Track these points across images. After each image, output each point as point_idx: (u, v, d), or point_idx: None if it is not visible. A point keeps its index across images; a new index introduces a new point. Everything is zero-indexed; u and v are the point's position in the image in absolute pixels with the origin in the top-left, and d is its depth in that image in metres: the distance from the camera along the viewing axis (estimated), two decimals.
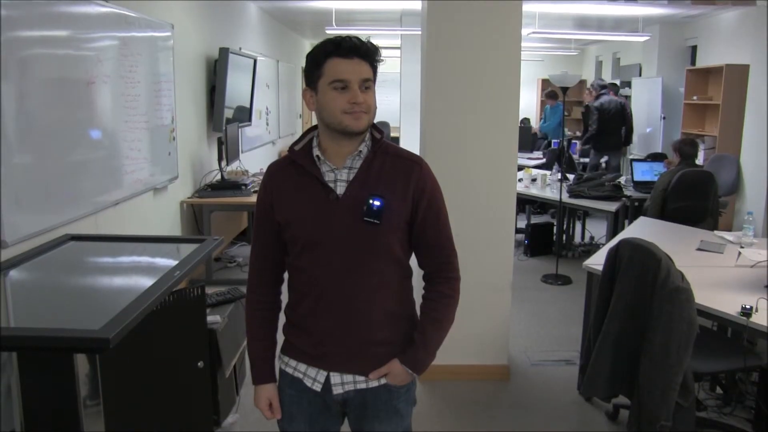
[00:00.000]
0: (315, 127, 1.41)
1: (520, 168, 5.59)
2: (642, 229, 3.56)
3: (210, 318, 2.48)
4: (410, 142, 6.96)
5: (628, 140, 6.69)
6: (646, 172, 5.14)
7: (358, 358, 1.38)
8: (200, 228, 4.61)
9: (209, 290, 2.72)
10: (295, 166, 1.37)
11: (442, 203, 1.42)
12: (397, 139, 8.01)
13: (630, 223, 3.93)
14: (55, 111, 2.61)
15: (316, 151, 1.36)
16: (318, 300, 1.36)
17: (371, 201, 1.30)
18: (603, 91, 6.60)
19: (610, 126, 6.43)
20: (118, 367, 1.93)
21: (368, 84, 1.30)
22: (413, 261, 1.48)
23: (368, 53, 1.29)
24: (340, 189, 1.34)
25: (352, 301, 1.35)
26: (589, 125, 6.52)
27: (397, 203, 1.34)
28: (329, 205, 1.33)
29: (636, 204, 4.74)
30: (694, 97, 6.89)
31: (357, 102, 1.27)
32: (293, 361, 1.44)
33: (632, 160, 5.40)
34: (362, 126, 1.31)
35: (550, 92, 8.00)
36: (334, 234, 1.33)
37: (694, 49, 7.59)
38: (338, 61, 1.27)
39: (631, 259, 2.19)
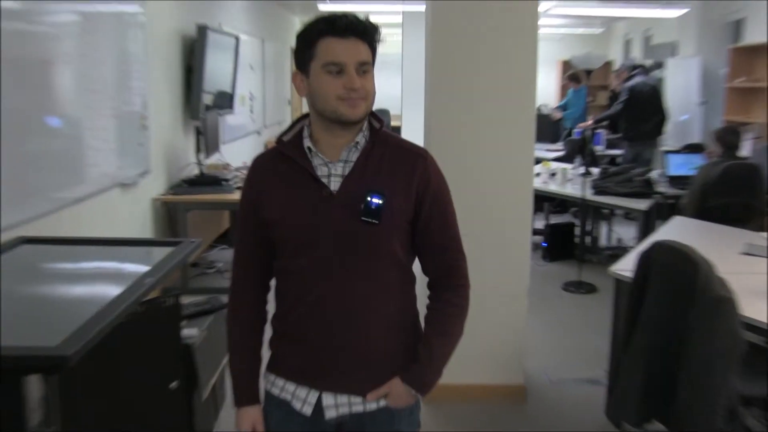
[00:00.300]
0: (306, 116, 1.43)
1: (538, 161, 5.58)
2: (677, 230, 3.58)
3: (186, 331, 2.48)
4: (413, 132, 6.80)
5: (660, 129, 6.61)
6: (681, 166, 5.14)
7: (354, 375, 1.40)
8: (175, 229, 4.61)
9: (185, 300, 2.69)
10: (284, 159, 1.39)
11: (449, 201, 1.44)
12: (398, 129, 8.04)
13: (663, 223, 3.90)
14: (6, 94, 2.58)
15: (307, 142, 1.38)
16: (309, 308, 1.38)
17: (369, 198, 1.32)
18: (635, 72, 6.49)
19: (644, 112, 6.28)
20: (79, 388, 1.91)
21: (366, 67, 1.31)
22: (417, 267, 1.48)
23: (366, 32, 1.30)
24: (335, 185, 1.36)
25: (348, 309, 1.37)
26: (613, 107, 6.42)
27: (399, 200, 1.36)
28: (322, 203, 1.35)
29: (670, 202, 4.76)
30: (739, 80, 6.81)
31: (353, 87, 1.29)
32: (280, 380, 1.46)
33: (666, 151, 5.40)
34: (359, 114, 1.32)
35: (573, 74, 7.98)
36: (328, 235, 1.35)
37: (739, 24, 7.48)
38: (332, 41, 1.29)
39: (665, 264, 2.18)
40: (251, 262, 1.47)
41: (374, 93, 1.35)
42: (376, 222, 1.33)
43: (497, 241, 3.05)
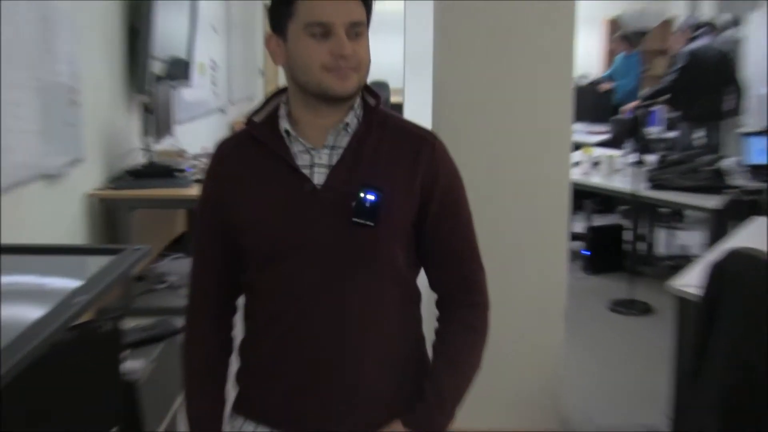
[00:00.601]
0: (283, 90, 1.47)
1: (577, 147, 5.63)
2: (758, 234, 3.58)
3: (128, 364, 2.49)
4: (418, 111, 6.61)
5: (737, 106, 6.52)
6: (762, 152, 5.14)
7: (343, 418, 1.42)
8: (115, 233, 4.59)
9: (128, 324, 2.72)
10: (255, 145, 1.43)
11: (462, 198, 1.49)
12: (399, 107, 7.99)
13: (740, 225, 3.90)
14: None
15: (284, 124, 1.42)
16: (286, 335, 1.42)
17: (363, 194, 1.36)
18: (699, 31, 6.45)
19: (708, 84, 6.24)
20: None
21: (359, 29, 1.35)
22: (423, 282, 1.51)
23: None
24: (319, 177, 1.40)
25: (336, 335, 1.40)
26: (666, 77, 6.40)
27: (400, 197, 1.40)
28: (303, 200, 1.39)
29: (749, 198, 4.75)
30: None
31: (343, 54, 1.32)
32: (249, 425, 1.48)
33: (744, 134, 5.39)
34: (350, 88, 1.36)
35: (623, 36, 7.98)
36: (310, 241, 1.39)
37: None
38: None
39: (742, 277, 2.18)
40: (213, 276, 1.51)
41: (369, 61, 1.38)
42: (371, 224, 1.36)
43: (525, 249, 3.08)
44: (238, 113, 8.32)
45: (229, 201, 1.44)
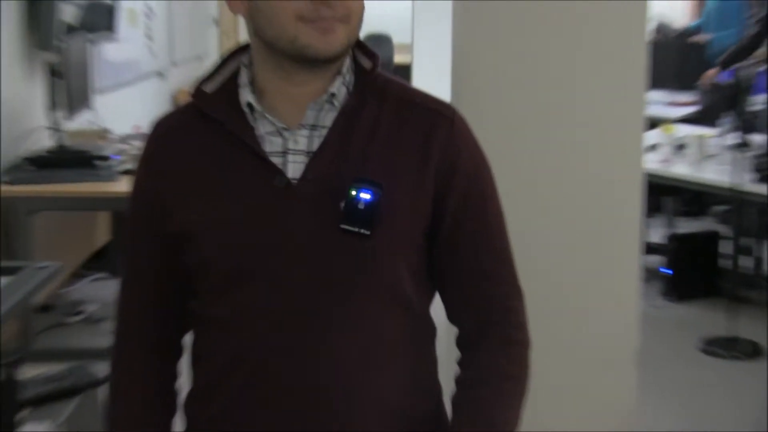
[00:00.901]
0: (245, 49, 1.51)
1: (653, 124, 5.60)
2: None
3: (28, 428, 2.49)
4: (432, 76, 6.81)
5: None
6: None
7: None
8: (11, 244, 4.61)
9: (27, 372, 2.73)
10: (207, 125, 1.46)
11: (492, 195, 1.53)
12: (406, 70, 8.02)
13: None
14: None
15: (246, 95, 1.45)
16: (251, 383, 1.45)
17: (355, 192, 1.39)
18: None
19: None
20: None
21: None
22: (438, 309, 1.53)
23: None
24: (295, 168, 1.43)
25: (318, 383, 1.42)
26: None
27: (406, 195, 1.44)
28: (273, 200, 1.42)
29: None
30: None
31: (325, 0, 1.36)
32: None
33: None
34: (336, 46, 1.39)
35: None
36: (283, 256, 1.42)
37: None
38: None
39: None
40: (150, 305, 1.55)
41: (362, 9, 1.41)
42: (366, 233, 1.39)
43: (581, 267, 3.03)
44: (183, 79, 8.38)
45: (171, 202, 1.47)
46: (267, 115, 1.43)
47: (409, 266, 1.46)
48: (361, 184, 1.39)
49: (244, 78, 1.47)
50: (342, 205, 1.39)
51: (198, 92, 1.47)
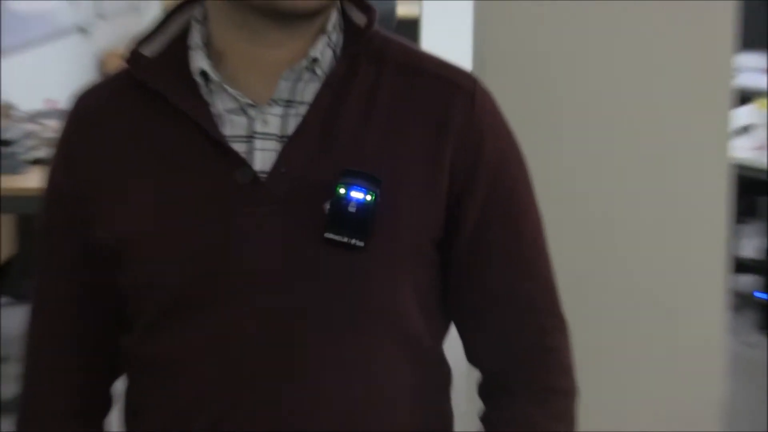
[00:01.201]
0: (196, 0, 1.48)
1: (745, 98, 5.37)
2: None
3: None
4: (447, 34, 6.67)
5: None
6: None
7: None
8: None
9: None
10: (146, 99, 1.42)
11: (526, 193, 1.49)
12: (413, 26, 8.17)
13: None
14: None
15: (199, 61, 1.40)
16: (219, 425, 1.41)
17: (344, 190, 1.34)
18: None
19: None
20: None
21: None
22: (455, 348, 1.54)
23: None
24: (265, 157, 1.38)
25: None
26: None
27: (412, 194, 1.39)
28: (235, 200, 1.37)
29: None
30: None
31: None
32: None
33: None
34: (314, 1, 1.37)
35: None
36: (248, 274, 1.38)
37: None
38: None
39: None
40: (68, 341, 1.50)
41: None
42: (360, 244, 1.33)
43: (648, 293, 2.85)
44: (113, 37, 8.29)
45: (96, 204, 1.42)
46: (227, 87, 1.37)
47: (416, 289, 1.40)
48: (353, 179, 1.34)
49: (196, 38, 1.41)
50: (327, 207, 1.34)
51: (134, 56, 1.42)
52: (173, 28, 1.46)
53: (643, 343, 2.87)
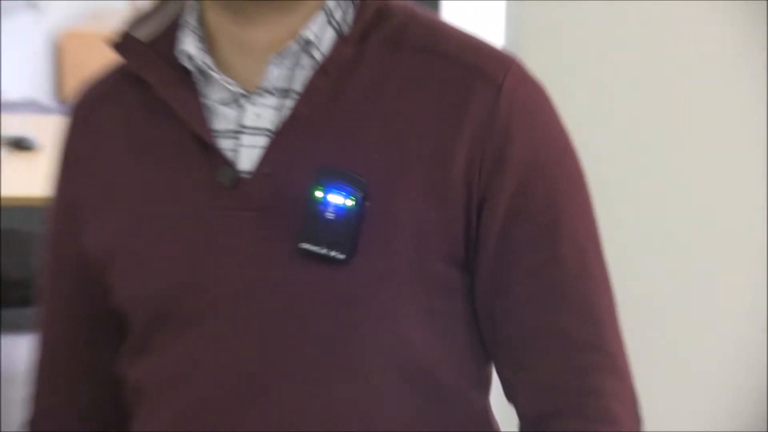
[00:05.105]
0: None
1: None
2: None
3: None
4: (472, 14, 7.14)
5: None
6: None
7: None
8: None
9: None
10: (137, 90, 1.44)
11: (574, 202, 1.44)
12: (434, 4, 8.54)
13: None
14: None
15: (188, 44, 1.40)
16: None
17: (318, 192, 1.33)
18: None
19: None
20: None
21: None
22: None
23: None
24: (252, 155, 1.38)
25: None
26: None
27: (414, 200, 1.36)
28: (216, 205, 1.37)
29: None
30: None
31: None
32: None
33: None
34: None
35: None
36: (219, 289, 1.38)
37: None
38: None
39: None
40: (66, 372, 1.57)
41: None
42: (340, 257, 1.32)
43: (688, 309, 2.86)
44: (70, 14, 8.27)
45: (84, 211, 1.46)
46: (213, 73, 1.37)
47: (424, 315, 1.36)
48: (332, 179, 1.31)
49: (189, 18, 1.42)
50: (309, 210, 1.33)
51: (125, 40, 1.42)
52: (171, 10, 1.47)
53: (688, 358, 2.88)
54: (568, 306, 1.39)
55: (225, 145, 1.36)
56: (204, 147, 1.37)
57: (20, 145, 5.03)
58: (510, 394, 1.45)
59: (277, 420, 1.37)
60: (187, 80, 1.40)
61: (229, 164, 1.36)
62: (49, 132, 4.69)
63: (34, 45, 7.92)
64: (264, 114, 1.37)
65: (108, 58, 1.50)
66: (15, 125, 5.26)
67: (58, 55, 8.15)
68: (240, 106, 1.38)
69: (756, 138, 2.82)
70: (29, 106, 6.44)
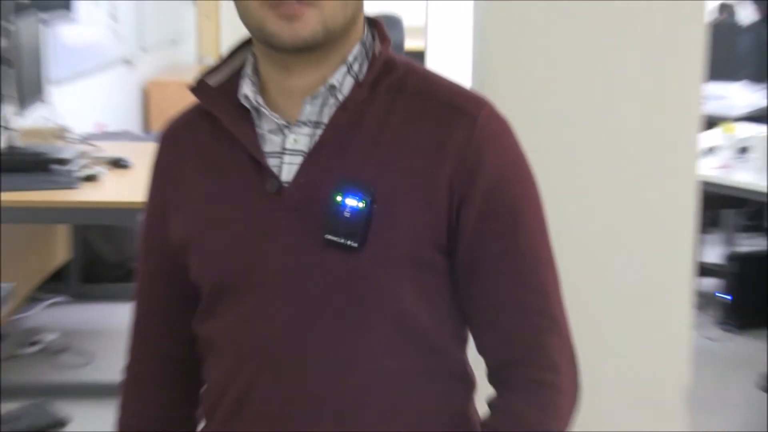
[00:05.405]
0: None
1: (711, 123, 5.52)
2: None
3: None
4: (449, 63, 6.48)
5: None
6: None
7: None
8: None
9: None
10: (210, 122, 1.54)
11: (526, 205, 1.54)
12: (419, 58, 7.89)
13: None
14: None
15: (245, 88, 1.51)
16: (236, 411, 1.53)
17: (340, 197, 1.43)
18: None
19: None
20: None
21: None
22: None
23: None
24: (291, 170, 1.48)
25: (305, 417, 1.48)
26: None
27: (410, 204, 1.47)
28: (264, 206, 1.48)
29: None
30: None
31: None
32: None
33: None
34: (304, 34, 1.42)
35: None
36: (266, 269, 1.48)
37: None
38: None
39: None
40: (156, 331, 1.65)
41: None
42: (354, 245, 1.43)
43: (623, 292, 3.06)
44: (156, 66, 8.56)
45: (170, 212, 1.57)
46: (264, 110, 1.47)
47: (424, 291, 1.48)
48: (348, 187, 1.42)
49: (248, 69, 1.51)
50: (329, 211, 1.43)
51: (200, 85, 1.53)
52: (236, 62, 1.59)
53: (620, 334, 3.08)
54: (523, 283, 1.51)
55: (272, 162, 1.49)
56: (257, 164, 1.49)
57: (118, 164, 5.15)
58: (480, 349, 1.58)
59: (309, 360, 1.49)
60: (245, 115, 1.52)
61: (274, 177, 1.48)
62: (138, 154, 4.91)
63: (129, 91, 8.08)
64: (300, 140, 1.49)
65: (178, 100, 1.66)
66: (114, 149, 5.42)
67: (145, 97, 8.25)
68: (283, 134, 1.50)
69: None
70: (124, 135, 6.41)
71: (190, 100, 1.58)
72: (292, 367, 1.48)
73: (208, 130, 1.54)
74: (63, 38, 6.15)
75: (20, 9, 5.12)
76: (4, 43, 4.85)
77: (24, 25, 5.01)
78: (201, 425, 1.65)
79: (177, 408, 1.67)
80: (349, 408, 1.48)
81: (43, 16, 5.47)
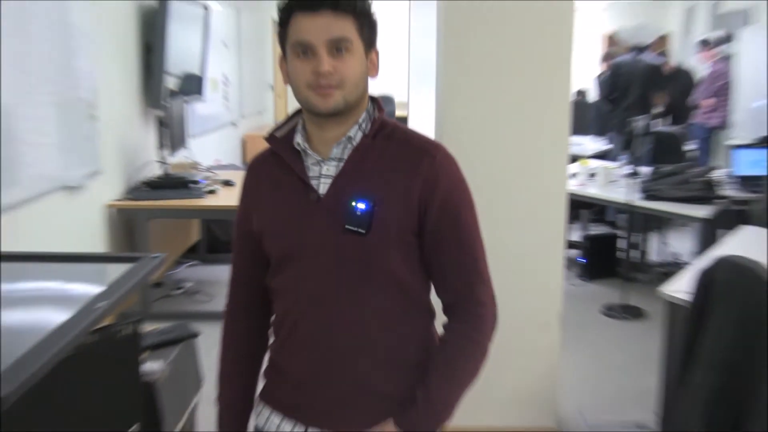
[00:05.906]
0: None
1: (575, 159, 5.67)
2: (746, 242, 3.59)
3: (147, 366, 2.53)
4: (421, 124, 6.89)
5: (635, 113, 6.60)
6: (753, 164, 5.16)
7: (341, 412, 1.47)
8: (134, 241, 4.66)
9: (146, 327, 2.74)
10: (276, 160, 1.48)
11: (464, 207, 1.47)
12: (404, 120, 7.95)
13: (728, 234, 3.89)
14: None
15: (298, 138, 1.46)
16: (290, 336, 1.50)
17: (354, 203, 1.39)
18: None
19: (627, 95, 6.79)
20: None
21: (345, 44, 1.35)
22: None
23: (340, 3, 1.34)
24: (324, 187, 1.44)
25: (333, 337, 1.45)
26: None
27: (396, 206, 1.41)
28: (308, 209, 1.43)
29: (738, 208, 4.76)
30: None
31: (320, 72, 1.34)
32: (267, 410, 1.56)
33: (734, 146, 5.39)
34: (332, 106, 1.37)
35: (608, 54, 7.97)
36: (310, 246, 1.43)
37: None
38: (302, 16, 1.34)
39: (730, 284, 2.19)
40: (244, 282, 1.59)
41: (357, 77, 1.38)
42: (363, 232, 1.38)
43: (524, 257, 3.07)
44: (249, 126, 8.44)
45: (252, 210, 1.50)
46: (309, 152, 1.44)
47: (400, 257, 1.43)
48: (359, 198, 1.39)
49: (299, 126, 1.47)
50: (346, 212, 1.40)
51: (271, 136, 1.50)
52: (293, 122, 1.51)
53: (520, 282, 3.08)
54: (464, 254, 1.46)
55: (313, 183, 1.43)
56: (304, 184, 1.44)
57: (227, 183, 5.09)
58: (438, 294, 1.52)
59: (336, 301, 1.44)
60: (298, 155, 1.45)
61: (315, 191, 1.43)
62: (238, 178, 4.79)
63: (234, 140, 7.87)
64: (330, 169, 1.43)
65: (260, 145, 1.56)
66: (226, 175, 5.32)
67: (243, 144, 8.17)
68: (320, 166, 1.44)
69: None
70: (231, 167, 6.28)
71: (266, 146, 1.54)
72: (325, 306, 1.45)
73: (275, 164, 1.49)
74: (197, 110, 6.14)
75: (173, 94, 5.16)
76: (163, 113, 4.90)
77: (174, 103, 5.06)
78: (270, 339, 1.61)
79: (256, 329, 1.61)
80: (361, 329, 1.44)
81: (185, 98, 5.50)
